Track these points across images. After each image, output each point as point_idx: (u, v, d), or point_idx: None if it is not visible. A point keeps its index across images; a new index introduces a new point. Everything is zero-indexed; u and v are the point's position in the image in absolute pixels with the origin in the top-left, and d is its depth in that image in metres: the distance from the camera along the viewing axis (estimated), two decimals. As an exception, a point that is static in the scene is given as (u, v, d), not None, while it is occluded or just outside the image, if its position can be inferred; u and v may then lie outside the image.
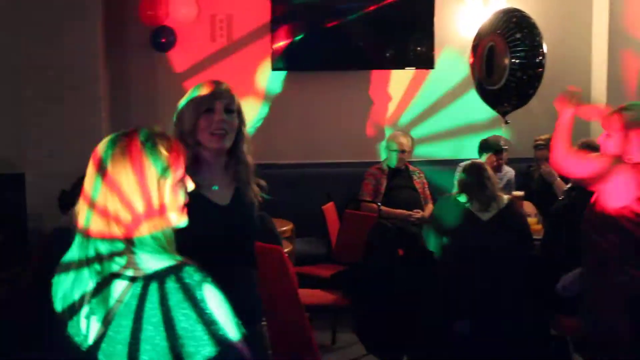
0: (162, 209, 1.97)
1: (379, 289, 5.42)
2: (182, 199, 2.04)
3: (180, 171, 2.02)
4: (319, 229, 6.66)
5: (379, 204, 6.60)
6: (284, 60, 7.32)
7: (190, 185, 2.07)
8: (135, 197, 1.93)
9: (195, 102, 2.86)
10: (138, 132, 2.00)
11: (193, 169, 2.68)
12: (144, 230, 1.93)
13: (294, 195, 6.90)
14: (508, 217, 5.15)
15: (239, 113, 2.92)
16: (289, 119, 7.35)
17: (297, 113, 7.40)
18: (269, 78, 7.33)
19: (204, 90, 2.87)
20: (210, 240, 2.79)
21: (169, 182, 1.98)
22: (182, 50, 7.21)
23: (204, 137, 2.84)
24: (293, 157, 7.39)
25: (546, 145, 6.38)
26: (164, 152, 1.98)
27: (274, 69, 7.29)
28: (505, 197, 5.31)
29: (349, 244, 6.24)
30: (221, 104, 2.86)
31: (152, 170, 1.96)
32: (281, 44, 7.31)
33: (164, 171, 1.97)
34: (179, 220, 2.03)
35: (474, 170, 5.21)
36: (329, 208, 6.73)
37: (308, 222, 6.73)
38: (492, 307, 4.92)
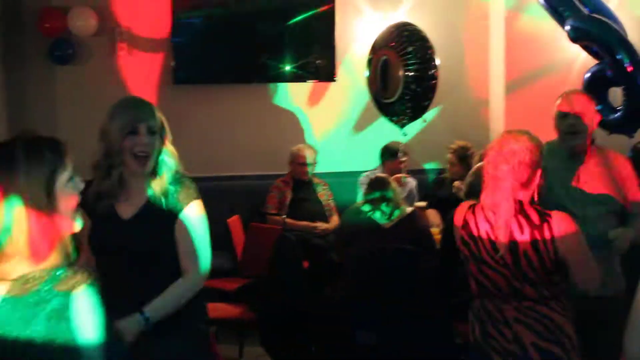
0: (52, 212, 1.97)
1: (284, 302, 5.45)
2: (72, 200, 2.04)
3: (67, 173, 2.02)
4: (224, 243, 6.64)
5: (284, 216, 6.64)
6: (185, 74, 7.28)
7: (80, 185, 2.07)
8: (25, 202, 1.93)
9: (119, 123, 2.91)
10: (18, 139, 2.00)
11: (117, 185, 2.95)
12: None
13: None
14: (409, 226, 5.29)
15: (162, 130, 2.99)
16: (191, 133, 7.29)
17: (200, 126, 7.36)
18: (170, 91, 7.27)
19: (128, 111, 2.93)
20: (109, 251, 2.95)
21: (58, 184, 1.98)
22: (82, 63, 7.10)
23: (126, 158, 2.92)
24: (196, 171, 7.25)
25: (455, 151, 6.55)
26: (48, 155, 1.98)
27: (175, 82, 7.24)
28: (409, 208, 5.46)
29: (254, 257, 6.25)
30: (145, 126, 2.92)
31: (37, 174, 1.95)
32: (182, 57, 7.27)
33: (52, 174, 1.97)
34: (72, 222, 2.03)
35: (378, 183, 5.35)
36: (234, 221, 6.73)
37: (213, 236, 6.68)
38: (395, 316, 5.01)
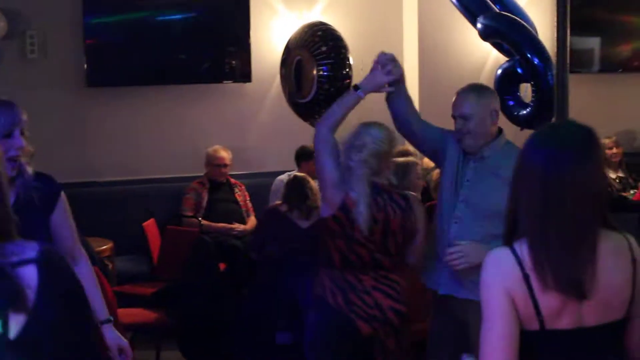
0: None
1: (200, 305, 5.41)
2: None
3: None
4: (140, 247, 6.57)
5: (200, 218, 6.59)
6: (99, 76, 7.16)
7: None
8: None
9: None
10: None
11: None
12: None
13: (114, 213, 6.79)
14: None
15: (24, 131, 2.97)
16: (106, 136, 7.20)
17: (115, 129, 7.25)
18: (83, 94, 7.15)
19: (3, 115, 2.89)
20: None
21: None
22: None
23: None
24: (112, 175, 7.24)
25: None
26: None
27: (89, 85, 7.12)
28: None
29: (171, 261, 6.19)
30: (18, 128, 2.91)
31: None
32: (95, 59, 7.14)
33: None
34: None
35: (297, 183, 5.35)
36: (150, 225, 6.65)
37: (129, 240, 6.62)
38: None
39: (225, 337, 5.43)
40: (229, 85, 7.53)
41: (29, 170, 3.00)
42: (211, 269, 5.57)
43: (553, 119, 6.22)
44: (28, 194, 2.96)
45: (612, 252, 2.18)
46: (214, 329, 5.39)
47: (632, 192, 7.00)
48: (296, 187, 5.32)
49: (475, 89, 3.83)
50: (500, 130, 3.79)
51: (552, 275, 2.10)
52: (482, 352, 2.16)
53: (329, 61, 6.27)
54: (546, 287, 2.10)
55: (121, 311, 4.64)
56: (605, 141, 7.71)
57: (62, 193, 3.14)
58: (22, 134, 2.93)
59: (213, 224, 6.60)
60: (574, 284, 2.11)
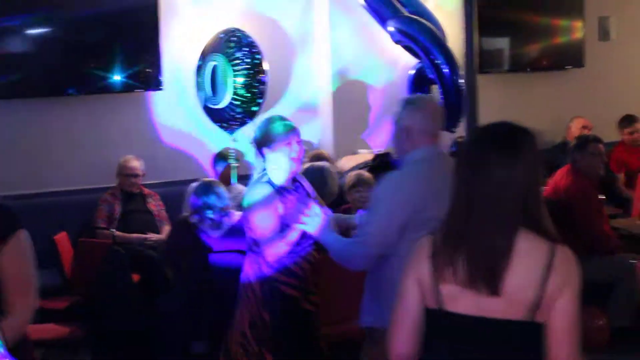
0: None
1: (114, 317, 5.33)
2: None
3: None
4: (51, 261, 6.42)
5: (113, 230, 6.49)
6: (4, 88, 6.94)
7: None
8: None
9: None
10: None
11: None
12: None
13: (24, 226, 6.60)
14: (240, 233, 5.26)
15: None
16: (14, 148, 7.02)
17: (24, 141, 7.07)
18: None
19: None
20: None
21: None
22: None
23: None
24: (22, 187, 7.04)
25: (311, 158, 6.56)
26: None
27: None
28: (237, 213, 5.42)
29: (84, 274, 6.07)
30: None
31: None
32: (5, 69, 6.94)
33: None
34: None
35: (206, 189, 5.28)
36: (62, 238, 6.51)
37: (40, 254, 6.42)
38: (225, 324, 4.99)
39: (140, 349, 5.37)
40: (141, 94, 7.42)
41: None
42: (125, 280, 5.48)
43: (462, 120, 6.36)
44: None
45: (525, 254, 2.23)
46: (129, 341, 5.31)
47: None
48: (203, 194, 5.24)
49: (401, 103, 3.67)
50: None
51: (463, 268, 2.23)
52: (390, 320, 2.43)
53: (245, 67, 6.27)
54: (455, 277, 2.25)
55: (33, 327, 4.52)
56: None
57: (19, 232, 2.89)
58: None
59: (127, 235, 6.50)
60: (485, 280, 2.20)
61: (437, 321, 2.31)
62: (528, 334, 2.26)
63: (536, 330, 2.25)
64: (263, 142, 3.95)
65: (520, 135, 2.28)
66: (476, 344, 2.28)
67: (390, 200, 3.34)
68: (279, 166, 3.94)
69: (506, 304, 2.22)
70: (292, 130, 3.96)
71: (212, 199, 5.20)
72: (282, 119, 4.03)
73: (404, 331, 2.37)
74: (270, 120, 4.00)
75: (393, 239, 3.30)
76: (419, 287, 2.33)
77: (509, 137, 2.28)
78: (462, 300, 2.25)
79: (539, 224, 2.25)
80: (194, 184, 5.39)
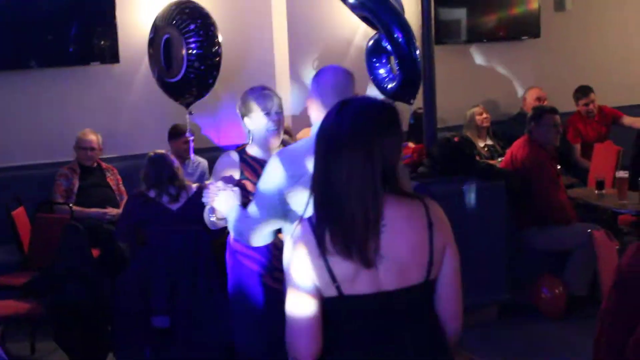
0: None
1: (74, 293, 5.30)
2: None
3: None
4: (9, 236, 6.37)
5: (71, 204, 6.44)
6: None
7: None
8: None
9: None
10: None
11: None
12: None
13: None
14: (197, 204, 5.25)
15: None
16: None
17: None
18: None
19: None
20: None
21: None
22: None
23: None
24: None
25: None
26: None
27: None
28: (194, 185, 5.42)
29: (42, 249, 6.03)
30: None
31: None
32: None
33: None
34: None
35: (161, 162, 5.26)
36: (19, 213, 6.45)
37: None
38: (188, 299, 5.00)
39: (101, 324, 5.35)
40: (97, 67, 7.35)
41: None
42: (83, 255, 5.43)
43: (419, 90, 6.39)
44: None
45: (405, 217, 2.26)
46: (89, 316, 5.28)
47: (499, 159, 7.21)
48: (157, 167, 5.24)
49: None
50: None
51: (339, 244, 2.20)
52: (287, 323, 2.30)
53: (198, 39, 6.20)
54: (337, 255, 2.20)
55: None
56: (474, 109, 7.91)
57: None
58: None
59: (85, 210, 6.47)
60: (359, 252, 2.19)
61: (339, 309, 2.26)
62: (425, 296, 2.32)
63: (430, 291, 2.32)
64: (244, 112, 3.97)
65: (392, 110, 2.32)
66: (377, 322, 2.27)
67: (264, 179, 3.17)
68: (257, 136, 3.94)
69: (401, 272, 2.24)
70: (271, 100, 3.95)
71: (172, 172, 5.20)
72: (263, 89, 4.01)
73: (307, 329, 2.27)
74: (251, 90, 3.99)
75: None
76: (311, 277, 2.25)
77: (383, 112, 2.31)
78: (358, 280, 2.23)
79: (400, 186, 2.28)
80: (150, 156, 5.34)
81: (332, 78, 3.26)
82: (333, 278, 2.22)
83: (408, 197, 2.30)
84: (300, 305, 2.26)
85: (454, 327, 2.38)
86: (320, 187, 2.26)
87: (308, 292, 2.25)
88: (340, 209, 2.20)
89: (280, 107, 4.00)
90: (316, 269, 2.23)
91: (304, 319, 2.26)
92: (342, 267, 2.21)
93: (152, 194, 5.18)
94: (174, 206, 5.19)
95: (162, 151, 5.48)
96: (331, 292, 2.23)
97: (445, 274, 2.32)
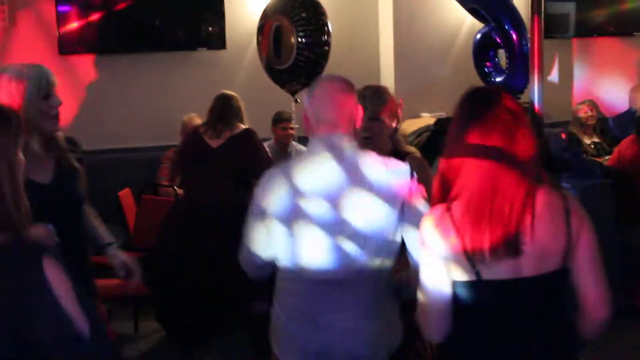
0: None
1: (177, 274, 5.39)
2: None
3: None
4: (116, 217, 6.52)
5: (175, 187, 6.55)
6: (72, 44, 7.07)
7: None
8: None
9: (35, 88, 3.02)
10: None
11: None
12: None
13: (89, 182, 6.67)
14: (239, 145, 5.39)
15: None
16: (80, 105, 7.12)
17: (89, 98, 7.18)
18: (56, 62, 7.04)
19: (40, 76, 3.05)
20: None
21: None
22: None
23: (45, 121, 3.06)
24: (87, 144, 7.06)
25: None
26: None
27: (61, 52, 7.02)
28: (243, 126, 5.51)
29: (147, 230, 6.13)
30: (54, 88, 3.09)
31: None
32: (69, 26, 7.05)
33: None
34: None
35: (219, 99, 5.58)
36: (125, 194, 6.60)
37: (105, 210, 6.51)
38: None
39: (203, 306, 5.42)
40: (204, 53, 7.46)
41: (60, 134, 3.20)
42: (186, 237, 5.51)
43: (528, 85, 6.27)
44: (67, 158, 3.20)
45: (546, 206, 2.28)
46: (191, 297, 5.37)
47: (606, 157, 7.04)
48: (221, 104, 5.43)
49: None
50: None
51: (486, 235, 2.23)
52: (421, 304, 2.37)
53: (309, 27, 6.23)
54: (481, 247, 2.23)
55: (98, 282, 4.61)
56: (580, 105, 7.74)
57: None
58: None
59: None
60: (508, 244, 2.23)
61: (476, 293, 2.30)
62: (560, 284, 2.33)
63: (565, 278, 2.33)
64: None
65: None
66: (511, 308, 2.30)
67: (258, 201, 2.88)
68: None
69: (541, 259, 2.27)
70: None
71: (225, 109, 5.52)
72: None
73: (442, 311, 2.33)
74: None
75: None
76: (445, 263, 2.29)
77: None
78: (498, 267, 2.25)
79: (543, 176, 2.35)
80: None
81: (331, 88, 2.88)
82: (473, 264, 2.26)
83: (548, 187, 2.33)
84: (436, 287, 2.31)
85: (597, 318, 2.38)
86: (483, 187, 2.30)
87: (445, 276, 2.30)
88: (494, 199, 2.26)
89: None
90: (456, 253, 2.27)
91: (439, 301, 2.32)
92: (482, 254, 2.25)
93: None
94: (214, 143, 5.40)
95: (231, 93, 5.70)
96: (469, 276, 2.28)
97: (583, 261, 2.32)
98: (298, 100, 6.47)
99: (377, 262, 2.78)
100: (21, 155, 2.00)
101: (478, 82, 6.88)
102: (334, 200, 2.76)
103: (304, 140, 6.94)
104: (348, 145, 2.83)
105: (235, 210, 5.18)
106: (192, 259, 5.34)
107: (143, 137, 7.31)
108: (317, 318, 2.79)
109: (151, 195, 6.52)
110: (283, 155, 6.53)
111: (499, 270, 2.25)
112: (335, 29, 6.63)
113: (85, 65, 7.18)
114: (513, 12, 6.05)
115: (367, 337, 2.79)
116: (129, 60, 7.29)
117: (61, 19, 7.02)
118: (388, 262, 2.81)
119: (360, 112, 2.92)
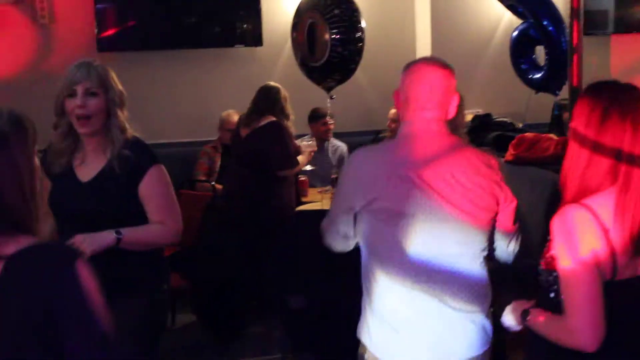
0: None
1: (215, 269, 5.44)
2: None
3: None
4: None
5: (213, 183, 6.60)
6: (110, 41, 7.14)
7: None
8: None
9: (60, 86, 3.03)
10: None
11: (74, 145, 3.06)
12: None
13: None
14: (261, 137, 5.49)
15: (109, 91, 3.09)
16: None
17: (128, 94, 7.22)
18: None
19: (68, 74, 3.03)
20: (66, 213, 2.92)
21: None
22: (1, 32, 6.91)
23: (72, 120, 3.02)
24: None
25: (394, 121, 6.56)
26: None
27: (99, 49, 7.09)
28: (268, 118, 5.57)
29: (184, 225, 6.15)
30: (82, 87, 3.00)
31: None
32: (107, 24, 7.13)
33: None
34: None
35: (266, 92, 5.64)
36: (163, 189, 6.64)
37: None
38: (325, 281, 5.04)
39: (239, 301, 5.47)
40: (240, 50, 7.50)
41: (121, 138, 3.05)
42: (224, 233, 5.57)
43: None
44: (115, 164, 3.01)
45: None
46: (228, 292, 5.41)
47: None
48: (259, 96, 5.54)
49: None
50: None
51: (628, 233, 2.24)
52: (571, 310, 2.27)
53: (342, 24, 6.24)
54: (623, 243, 2.23)
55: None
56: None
57: (156, 166, 3.10)
58: (92, 94, 3.03)
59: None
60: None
61: (609, 294, 2.26)
62: None
63: None
64: None
65: None
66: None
67: (343, 181, 2.83)
68: None
69: None
70: None
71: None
72: None
73: (597, 314, 2.24)
74: None
75: (344, 223, 2.75)
76: (596, 263, 2.24)
77: None
78: (626, 266, 2.27)
79: None
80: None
81: (426, 70, 2.84)
82: (615, 265, 2.25)
83: None
84: (590, 292, 2.23)
85: None
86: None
87: (597, 279, 2.24)
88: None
89: None
90: (602, 255, 2.25)
91: (592, 305, 2.23)
92: (622, 254, 2.25)
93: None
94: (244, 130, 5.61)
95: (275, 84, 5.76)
96: (607, 277, 2.26)
97: None
98: (333, 96, 6.48)
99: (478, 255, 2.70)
100: (37, 161, 1.99)
101: (515, 79, 6.85)
102: (429, 189, 2.61)
103: (338, 136, 6.98)
104: (436, 130, 2.69)
105: (254, 201, 5.26)
106: (230, 252, 5.39)
107: (180, 132, 7.37)
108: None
109: (189, 190, 6.57)
110: (320, 151, 6.54)
111: (625, 270, 2.27)
112: (371, 25, 6.65)
113: (123, 63, 7.22)
114: (552, 8, 6.01)
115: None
116: (166, 57, 7.35)
117: (100, 16, 7.09)
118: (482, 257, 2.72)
119: (456, 99, 2.76)
